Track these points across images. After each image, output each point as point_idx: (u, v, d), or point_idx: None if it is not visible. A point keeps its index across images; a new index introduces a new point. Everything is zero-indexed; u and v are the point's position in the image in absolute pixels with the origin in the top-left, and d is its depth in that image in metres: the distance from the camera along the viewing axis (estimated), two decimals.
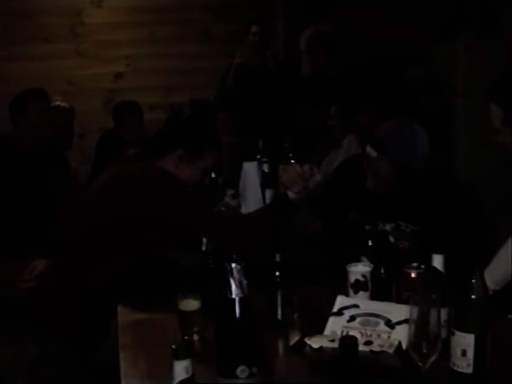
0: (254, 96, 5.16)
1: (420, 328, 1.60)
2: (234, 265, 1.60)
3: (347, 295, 2.09)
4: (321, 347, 1.79)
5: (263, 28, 5.28)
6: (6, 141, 3.78)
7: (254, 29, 5.26)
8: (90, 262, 2.47)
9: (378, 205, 2.60)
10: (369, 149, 2.57)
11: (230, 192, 3.78)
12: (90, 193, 2.65)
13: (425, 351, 1.60)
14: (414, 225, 2.55)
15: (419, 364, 1.61)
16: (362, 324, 1.90)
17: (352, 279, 2.12)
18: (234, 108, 5.35)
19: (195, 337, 2.01)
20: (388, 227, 2.60)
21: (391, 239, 2.57)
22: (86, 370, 2.41)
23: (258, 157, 3.81)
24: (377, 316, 1.90)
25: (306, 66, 5.04)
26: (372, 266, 2.14)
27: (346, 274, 2.14)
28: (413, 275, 1.94)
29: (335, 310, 1.97)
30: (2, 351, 2.64)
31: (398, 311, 1.86)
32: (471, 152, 5.32)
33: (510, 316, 2.10)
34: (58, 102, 4.50)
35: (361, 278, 2.11)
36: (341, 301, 1.99)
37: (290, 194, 2.47)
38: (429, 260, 1.88)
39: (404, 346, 1.75)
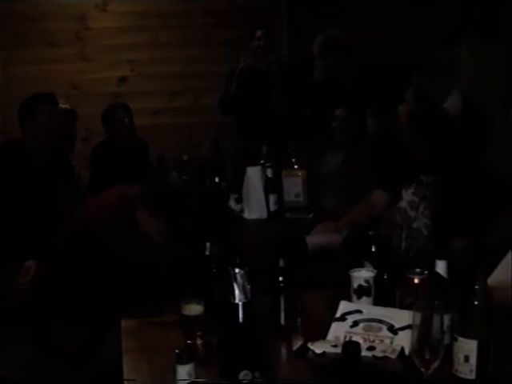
0: (258, 100, 5.17)
1: (423, 334, 1.60)
2: (237, 270, 1.60)
3: (350, 300, 2.09)
4: (324, 352, 1.79)
5: (267, 33, 5.29)
6: (15, 145, 3.77)
7: (258, 33, 5.27)
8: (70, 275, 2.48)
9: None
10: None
11: (233, 196, 3.79)
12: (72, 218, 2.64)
13: (427, 357, 1.60)
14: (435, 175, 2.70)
15: (422, 370, 1.61)
16: (365, 329, 1.90)
17: (355, 285, 2.12)
18: (237, 112, 5.36)
19: (198, 341, 2.01)
20: (408, 193, 2.74)
21: (414, 199, 2.73)
22: (86, 376, 2.41)
23: (262, 161, 3.82)
24: (380, 321, 1.90)
25: (317, 71, 5.04)
26: (375, 271, 2.14)
27: (349, 279, 2.14)
28: (416, 281, 1.94)
29: (338, 315, 1.97)
30: (3, 354, 2.65)
31: (401, 317, 1.87)
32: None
33: None
34: (59, 105, 4.50)
35: (364, 284, 2.11)
36: (344, 306, 1.99)
37: (309, 239, 2.58)
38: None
39: (407, 351, 1.75)
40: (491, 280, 2.28)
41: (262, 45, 5.27)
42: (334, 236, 2.66)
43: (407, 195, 2.79)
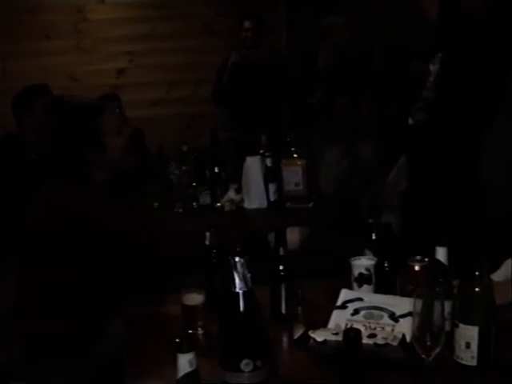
0: (251, 92, 5.15)
1: (424, 321, 1.60)
2: (237, 258, 1.59)
3: (351, 288, 2.09)
4: (325, 340, 1.79)
5: (256, 23, 5.24)
6: (11, 140, 3.75)
7: (246, 24, 5.23)
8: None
9: None
10: None
11: (233, 186, 3.78)
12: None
13: (428, 344, 1.60)
14: None
15: (423, 356, 1.61)
16: (366, 317, 1.90)
17: (356, 273, 2.12)
18: (230, 104, 5.34)
19: (199, 330, 2.01)
20: None
21: None
22: (86, 368, 2.41)
23: (261, 151, 3.81)
24: (380, 309, 1.90)
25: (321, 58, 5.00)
26: (376, 259, 2.14)
27: (349, 267, 2.14)
28: (416, 268, 1.94)
29: (339, 303, 1.97)
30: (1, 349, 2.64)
31: (402, 304, 1.87)
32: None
33: None
34: None
35: (364, 272, 2.11)
36: (345, 294, 1.99)
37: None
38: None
39: (408, 338, 1.75)
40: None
41: (249, 36, 5.22)
42: (293, 238, 2.57)
43: None
